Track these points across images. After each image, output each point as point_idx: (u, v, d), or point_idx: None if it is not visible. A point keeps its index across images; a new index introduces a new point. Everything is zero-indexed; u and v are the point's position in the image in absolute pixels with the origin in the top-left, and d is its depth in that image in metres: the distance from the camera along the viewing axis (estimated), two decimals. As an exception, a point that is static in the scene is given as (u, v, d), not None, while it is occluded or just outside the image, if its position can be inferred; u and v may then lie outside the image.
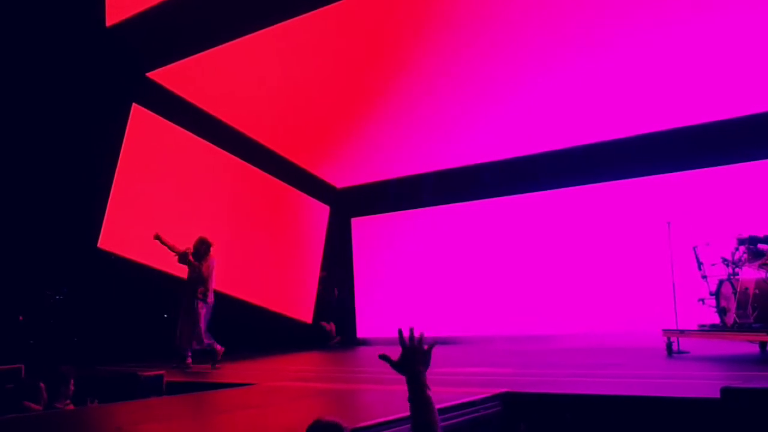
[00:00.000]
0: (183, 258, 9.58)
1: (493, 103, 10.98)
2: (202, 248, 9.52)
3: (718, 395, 3.90)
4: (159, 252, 12.04)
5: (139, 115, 11.99)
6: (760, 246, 6.98)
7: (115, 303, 11.65)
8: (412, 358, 2.63)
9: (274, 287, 13.35)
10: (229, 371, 8.74)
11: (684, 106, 9.79)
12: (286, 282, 13.64)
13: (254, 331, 12.60)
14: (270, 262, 13.35)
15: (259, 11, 10.28)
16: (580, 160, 10.93)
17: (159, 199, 12.18)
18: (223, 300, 12.43)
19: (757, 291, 6.78)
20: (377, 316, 13.39)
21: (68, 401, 5.32)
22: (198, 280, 9.39)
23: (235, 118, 12.53)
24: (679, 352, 7.50)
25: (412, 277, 12.86)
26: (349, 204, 14.01)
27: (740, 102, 9.44)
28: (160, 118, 12.15)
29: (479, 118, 11.33)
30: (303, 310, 13.73)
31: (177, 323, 9.46)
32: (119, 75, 11.66)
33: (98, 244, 11.70)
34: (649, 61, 9.53)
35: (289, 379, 7.41)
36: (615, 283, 10.34)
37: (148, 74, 11.89)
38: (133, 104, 11.93)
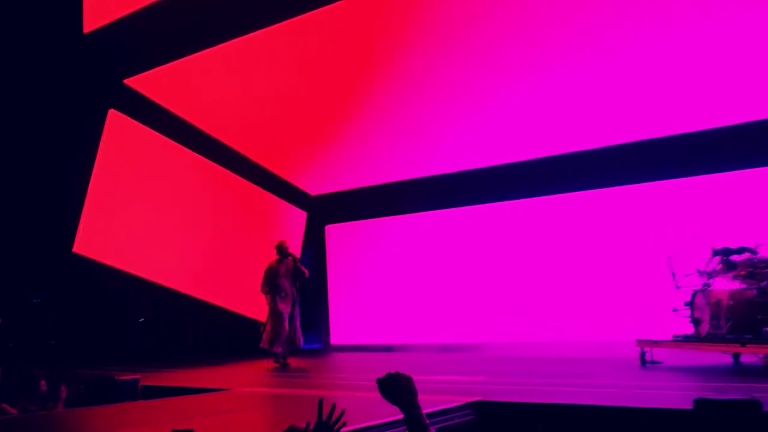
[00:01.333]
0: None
1: (469, 111, 11.06)
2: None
3: (690, 406, 3.92)
4: (134, 257, 12.00)
5: (115, 121, 11.93)
6: (734, 257, 7.05)
7: (92, 307, 11.57)
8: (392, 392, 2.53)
9: (249, 293, 13.29)
10: (204, 376, 8.69)
11: (660, 117, 9.91)
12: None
13: (230, 337, 12.55)
14: (246, 268, 13.28)
15: (235, 19, 10.29)
16: (556, 171, 11.03)
17: (135, 205, 12.12)
18: (199, 306, 12.41)
19: (730, 302, 6.85)
20: (351, 323, 13.39)
21: (54, 404, 5.30)
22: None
23: (212, 125, 12.51)
24: (653, 362, 7.55)
25: (385, 285, 12.88)
26: (323, 211, 14.04)
27: (714, 114, 9.58)
28: (137, 123, 12.10)
29: (456, 127, 11.39)
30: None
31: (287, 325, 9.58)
32: (96, 81, 11.61)
33: (73, 249, 11.61)
34: (626, 73, 9.65)
35: (264, 384, 7.37)
36: (589, 293, 10.41)
37: (125, 81, 11.84)
38: (110, 110, 11.87)
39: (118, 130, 11.98)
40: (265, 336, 9.55)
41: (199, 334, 12.23)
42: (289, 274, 9.66)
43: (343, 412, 2.45)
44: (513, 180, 11.42)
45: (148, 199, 12.25)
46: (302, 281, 9.81)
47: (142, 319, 12.14)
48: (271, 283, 9.59)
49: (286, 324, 9.44)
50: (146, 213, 12.18)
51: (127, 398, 6.40)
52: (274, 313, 9.52)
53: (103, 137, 11.79)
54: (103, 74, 11.61)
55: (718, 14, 8.57)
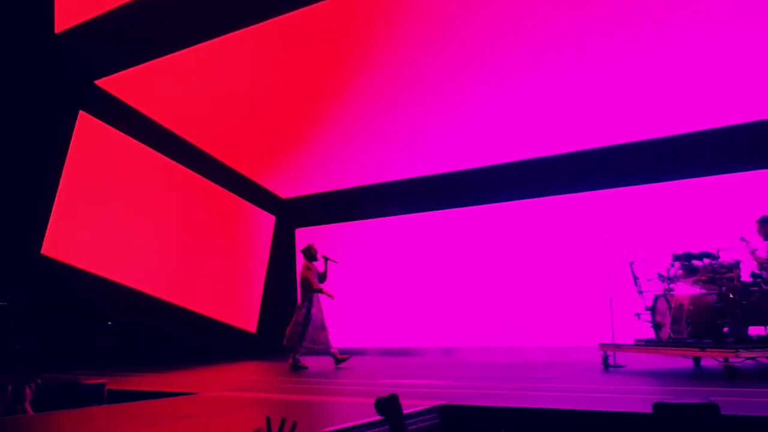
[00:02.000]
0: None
1: (441, 115, 11.15)
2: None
3: (650, 410, 4.01)
4: (103, 259, 11.90)
5: (86, 123, 11.82)
6: (695, 262, 7.17)
7: (59, 310, 11.45)
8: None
9: (218, 296, 13.27)
10: (171, 380, 8.65)
11: (622, 124, 10.10)
12: (231, 291, 13.56)
13: (198, 340, 12.50)
14: (215, 271, 13.26)
15: (208, 22, 10.26)
16: (520, 176, 11.19)
17: (104, 207, 12.02)
18: (166, 308, 12.34)
19: (691, 307, 6.99)
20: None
21: (23, 407, 5.27)
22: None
23: (183, 127, 12.46)
24: (615, 366, 7.69)
25: (354, 289, 12.91)
26: (293, 214, 14.05)
27: (676, 121, 9.79)
28: (107, 125, 12.01)
29: (427, 131, 11.49)
30: (247, 320, 13.67)
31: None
32: (67, 81, 11.51)
33: (42, 251, 11.49)
34: (588, 81, 9.80)
35: (231, 388, 7.36)
36: (554, 298, 10.56)
37: (96, 81, 11.75)
38: (80, 111, 11.77)
39: (88, 131, 11.88)
40: (295, 334, 9.59)
41: (168, 337, 12.16)
42: (316, 276, 9.81)
43: (294, 425, 2.46)
44: (481, 185, 11.56)
45: (118, 201, 12.16)
46: (323, 282, 9.89)
47: (110, 323, 12.04)
48: (310, 286, 9.69)
49: (313, 325, 9.55)
50: (116, 215, 12.09)
51: (93, 403, 6.36)
52: (307, 316, 9.60)
53: (74, 138, 11.68)
54: (74, 75, 11.51)
55: (684, 22, 8.75)
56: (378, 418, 4.47)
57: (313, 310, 9.61)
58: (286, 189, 13.97)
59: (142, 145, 12.30)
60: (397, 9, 10.07)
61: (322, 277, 9.82)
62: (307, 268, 9.74)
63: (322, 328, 9.62)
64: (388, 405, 2.87)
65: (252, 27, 10.29)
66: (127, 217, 12.18)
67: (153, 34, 10.67)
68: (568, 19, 9.15)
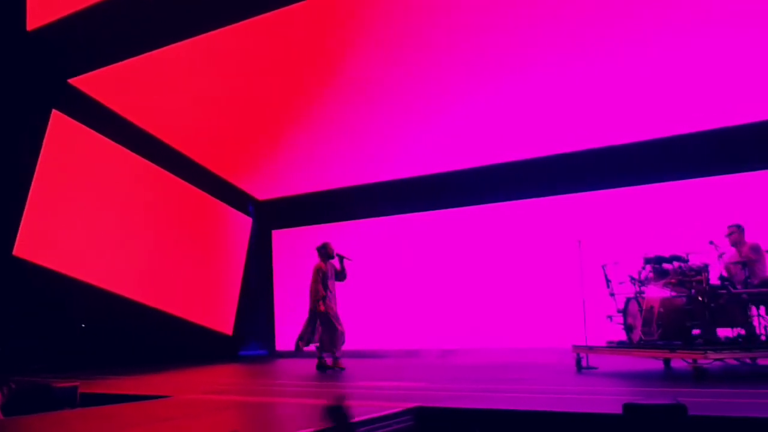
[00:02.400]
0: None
1: (418, 118, 11.21)
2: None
3: (620, 411, 4.07)
4: (76, 260, 11.77)
5: (59, 122, 11.70)
6: (665, 265, 7.29)
7: (32, 312, 11.31)
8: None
9: (194, 298, 13.19)
10: (145, 383, 8.59)
11: (596, 129, 10.23)
12: (206, 293, 13.50)
13: (172, 343, 12.42)
14: (190, 273, 13.19)
15: (183, 21, 10.22)
16: (495, 179, 11.29)
17: (78, 208, 11.90)
18: (140, 310, 12.25)
19: (661, 309, 7.10)
20: (297, 329, 13.37)
21: None
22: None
23: (158, 127, 12.38)
24: (588, 367, 7.79)
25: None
26: (270, 216, 14.02)
27: (648, 127, 9.94)
28: (81, 125, 11.89)
29: (404, 133, 11.54)
30: (223, 322, 13.62)
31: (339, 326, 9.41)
32: (39, 80, 11.37)
33: (13, 252, 11.34)
34: (561, 87, 9.92)
35: (206, 391, 7.33)
36: (528, 300, 10.66)
37: (69, 80, 11.63)
38: (53, 110, 11.64)
39: (61, 130, 11.75)
40: (325, 341, 9.32)
41: (143, 339, 12.07)
42: (334, 275, 9.55)
43: None
44: (457, 188, 11.64)
45: (93, 202, 12.05)
46: (341, 282, 9.64)
47: (84, 325, 11.92)
48: (323, 284, 9.40)
49: (339, 325, 9.31)
50: (90, 216, 11.98)
51: (65, 406, 6.29)
52: (327, 317, 9.32)
53: (46, 137, 11.55)
54: (47, 73, 11.38)
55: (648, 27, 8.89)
56: (355, 419, 4.51)
57: (331, 310, 9.36)
58: (262, 190, 13.94)
59: (117, 145, 12.20)
60: (377, 8, 10.09)
61: (340, 276, 9.55)
62: (316, 270, 9.46)
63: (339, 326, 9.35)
64: (336, 413, 2.85)
65: (229, 27, 10.27)
66: (101, 218, 12.07)
67: (128, 32, 10.60)
68: (547, 24, 9.25)
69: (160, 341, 12.25)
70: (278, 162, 13.01)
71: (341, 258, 9.57)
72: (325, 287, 9.38)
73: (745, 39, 8.69)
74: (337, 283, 9.56)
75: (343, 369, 9.11)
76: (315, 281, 9.41)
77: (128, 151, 12.31)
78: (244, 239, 14.07)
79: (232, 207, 13.92)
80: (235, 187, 13.75)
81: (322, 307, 9.29)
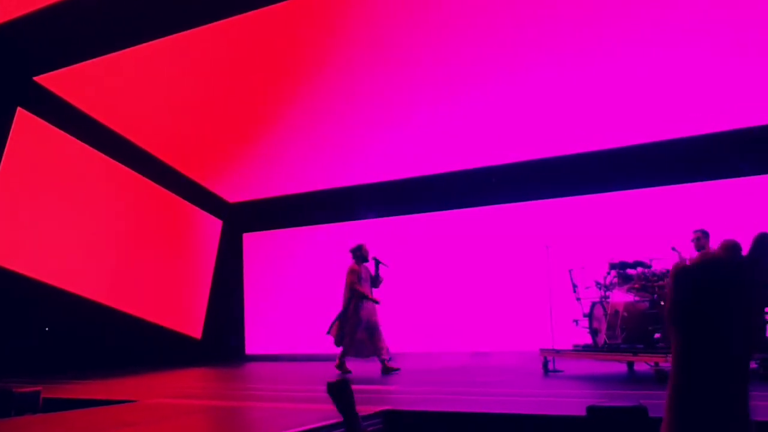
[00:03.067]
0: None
1: (387, 124, 11.25)
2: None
3: (584, 413, 4.14)
4: (41, 262, 11.60)
5: (24, 120, 11.52)
6: (630, 271, 7.45)
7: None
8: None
9: (162, 301, 13.08)
10: (111, 387, 8.50)
11: (563, 137, 10.37)
12: (175, 296, 13.39)
13: (140, 346, 12.30)
14: (159, 276, 13.07)
15: (155, 21, 10.13)
16: (464, 184, 11.39)
17: (44, 208, 11.73)
18: (106, 313, 12.11)
19: (625, 313, 7.23)
20: (267, 333, 13.36)
21: None
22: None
23: (127, 128, 12.26)
24: (555, 371, 7.89)
25: (302, 294, 12.91)
26: (241, 219, 13.96)
27: (613, 135, 10.11)
28: (47, 123, 11.72)
29: (375, 137, 11.58)
30: (192, 325, 13.52)
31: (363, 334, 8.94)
32: (4, 77, 11.19)
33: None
34: (525, 95, 10.04)
35: (173, 395, 7.28)
36: (497, 304, 10.76)
37: (35, 78, 11.46)
38: (18, 108, 11.46)
39: (27, 129, 11.57)
40: (343, 338, 8.93)
41: (109, 343, 11.93)
42: (368, 279, 9.07)
43: None
44: (427, 193, 11.72)
45: (58, 202, 11.88)
46: (374, 288, 9.12)
47: (48, 328, 11.74)
48: (353, 291, 8.96)
49: (360, 333, 8.80)
50: (56, 217, 11.81)
51: (27, 412, 6.20)
52: (353, 320, 8.86)
53: (11, 136, 11.36)
54: (12, 70, 11.20)
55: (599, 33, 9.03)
56: (321, 423, 4.52)
57: (362, 314, 8.86)
58: (233, 193, 13.87)
59: (85, 145, 12.05)
60: (350, 10, 10.10)
61: (375, 281, 9.06)
62: (351, 271, 9.02)
63: (371, 335, 8.84)
64: (339, 390, 2.91)
65: (203, 28, 10.21)
66: (67, 219, 11.91)
67: (97, 31, 10.47)
68: (514, 32, 9.35)
69: (126, 345, 12.12)
70: (249, 165, 12.97)
71: (377, 262, 9.09)
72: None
73: (706, 52, 8.88)
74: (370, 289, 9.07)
75: (348, 372, 8.84)
76: (351, 282, 8.95)
77: (96, 151, 12.17)
78: (214, 242, 13.99)
79: (202, 209, 13.83)
80: (205, 190, 13.67)
81: (350, 308, 8.86)
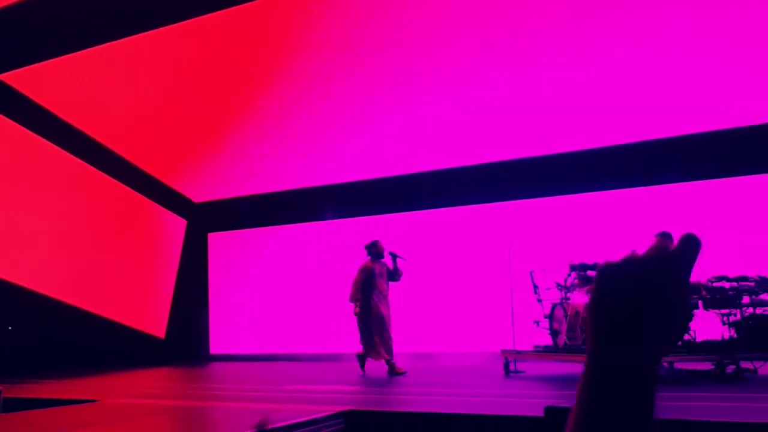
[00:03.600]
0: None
1: (353, 125, 11.30)
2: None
3: (542, 413, 4.24)
4: (2, 261, 11.42)
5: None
6: (590, 272, 7.53)
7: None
8: None
9: (125, 301, 12.96)
10: (72, 387, 8.42)
11: (524, 139, 10.53)
12: (138, 295, 13.28)
13: (102, 345, 12.18)
14: (122, 275, 12.95)
15: (120, 20, 10.04)
16: (428, 185, 11.49)
17: (3, 206, 11.55)
18: (68, 311, 11.96)
19: (585, 314, 7.35)
20: (231, 333, 13.33)
21: None
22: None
23: (90, 125, 12.12)
24: (516, 371, 8.02)
25: (268, 294, 12.90)
26: (206, 219, 13.90)
27: (574, 138, 10.29)
28: (9, 120, 11.55)
29: (340, 138, 11.61)
30: (155, 325, 13.42)
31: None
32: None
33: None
34: (487, 98, 10.16)
35: (136, 395, 7.25)
36: (459, 305, 10.86)
37: (-3, 75, 11.29)
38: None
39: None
40: (378, 346, 8.58)
41: (72, 342, 11.79)
42: (384, 275, 8.85)
43: None
44: (389, 194, 11.79)
45: (19, 199, 11.71)
46: (395, 282, 8.91)
47: (10, 327, 11.57)
48: (368, 284, 8.70)
49: (380, 331, 8.57)
50: (16, 214, 11.63)
51: (-13, 411, 6.14)
52: (377, 318, 8.61)
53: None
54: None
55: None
56: (284, 423, 4.56)
57: (383, 310, 8.64)
58: (198, 193, 13.80)
59: (47, 141, 11.89)
60: (319, 8, 10.10)
61: (393, 276, 8.88)
62: (362, 269, 8.81)
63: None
64: None
65: (168, 27, 10.13)
66: (28, 217, 11.74)
67: (61, 29, 10.34)
68: (477, 37, 9.46)
69: (89, 344, 11.99)
70: (215, 164, 12.91)
71: (394, 257, 8.92)
72: (372, 287, 8.68)
73: (672, 56, 9.09)
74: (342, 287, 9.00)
75: (403, 372, 8.45)
76: (356, 281, 8.79)
77: (59, 149, 12.02)
78: (179, 241, 13.90)
79: (167, 209, 13.73)
80: (170, 189, 13.57)
81: (356, 309, 8.68)
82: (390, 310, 8.77)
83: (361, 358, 8.80)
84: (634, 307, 0.69)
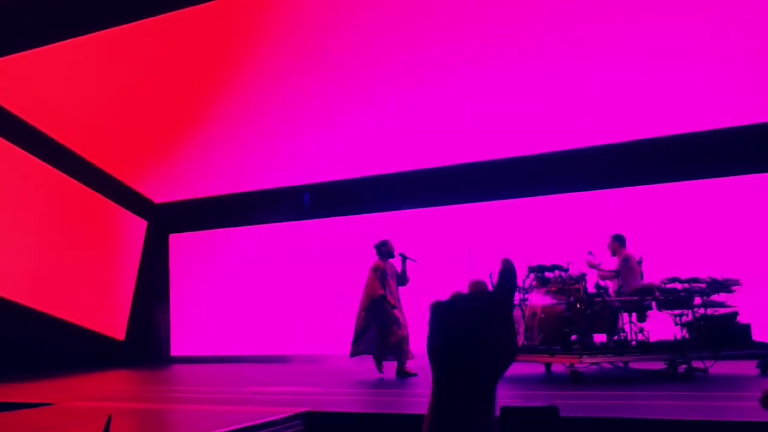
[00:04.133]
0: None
1: (314, 127, 11.31)
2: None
3: (498, 414, 4.29)
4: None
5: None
6: (547, 274, 7.69)
7: None
8: None
9: (84, 302, 12.77)
10: (27, 390, 8.28)
11: (483, 142, 10.65)
12: (97, 297, 13.09)
13: (60, 347, 11.97)
14: (81, 276, 12.75)
15: (78, 17, 9.91)
16: (389, 188, 11.55)
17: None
18: (24, 313, 11.75)
19: (542, 315, 7.48)
20: (193, 334, 13.22)
21: None
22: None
23: (48, 124, 11.94)
24: (476, 372, 8.07)
25: (230, 295, 12.83)
26: (167, 220, 13.76)
27: (531, 141, 10.45)
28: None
29: (303, 139, 11.61)
30: (115, 327, 13.25)
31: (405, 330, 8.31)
32: None
33: None
34: (446, 100, 10.27)
35: (93, 398, 7.16)
36: (421, 308, 10.92)
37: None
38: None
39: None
40: (378, 344, 8.19)
41: (27, 344, 11.58)
42: (395, 276, 8.53)
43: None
44: (352, 196, 11.81)
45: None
46: (402, 285, 8.56)
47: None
48: (382, 283, 8.32)
49: (399, 329, 8.19)
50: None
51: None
52: (390, 318, 8.22)
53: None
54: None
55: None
56: (244, 425, 4.56)
57: (395, 311, 8.28)
58: (159, 193, 13.65)
59: (4, 141, 11.67)
60: (278, 11, 10.08)
61: (402, 279, 8.56)
62: (374, 270, 8.42)
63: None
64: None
65: (129, 25, 10.03)
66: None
67: (19, 26, 10.18)
68: (434, 37, 9.54)
69: (45, 346, 11.79)
70: (177, 164, 12.80)
71: (404, 258, 8.57)
72: (384, 287, 8.31)
73: (618, 64, 9.29)
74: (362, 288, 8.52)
75: (413, 374, 8.14)
76: (372, 279, 8.36)
77: (15, 147, 11.80)
78: (139, 242, 13.74)
79: (127, 209, 13.56)
80: (130, 189, 13.42)
81: (386, 305, 8.24)
82: (400, 312, 8.37)
83: (378, 361, 8.36)
84: (461, 337, 0.77)
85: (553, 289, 7.44)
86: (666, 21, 8.65)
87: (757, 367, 7.11)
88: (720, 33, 8.63)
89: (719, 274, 7.37)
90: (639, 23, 8.73)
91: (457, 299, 0.80)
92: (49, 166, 12.25)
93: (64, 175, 12.47)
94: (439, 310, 0.80)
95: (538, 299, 7.78)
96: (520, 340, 7.70)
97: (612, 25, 8.80)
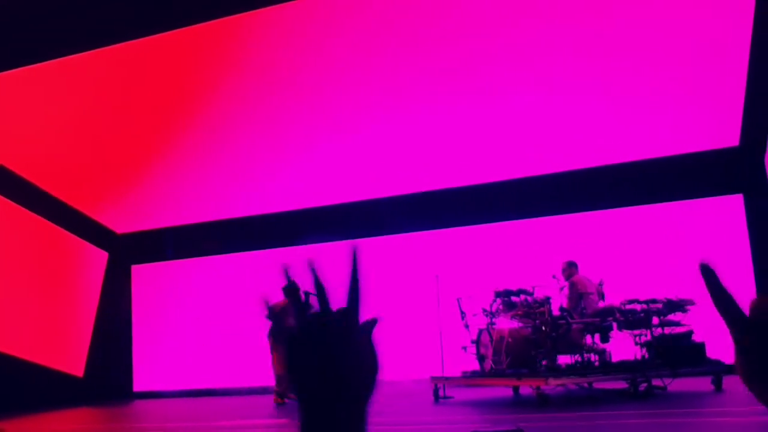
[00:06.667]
0: None
1: (279, 157, 11.32)
2: None
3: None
4: None
5: None
6: (514, 298, 7.78)
7: None
8: None
9: (39, 338, 12.41)
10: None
11: (447, 169, 10.81)
12: (54, 332, 12.73)
13: (14, 386, 11.54)
14: (36, 311, 12.41)
15: (36, 45, 9.76)
16: (356, 215, 11.60)
17: None
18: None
19: (510, 339, 7.55)
20: (157, 368, 12.97)
21: None
22: None
23: (6, 155, 11.70)
24: (445, 397, 8.11)
25: (195, 327, 12.66)
26: (129, 250, 13.55)
27: (495, 169, 10.64)
28: None
29: (266, 169, 11.61)
30: (73, 363, 12.88)
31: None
32: None
33: None
34: (417, 128, 10.41)
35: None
36: (389, 332, 10.92)
37: None
38: None
39: None
40: None
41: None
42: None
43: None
44: (317, 224, 11.79)
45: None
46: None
47: None
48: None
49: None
50: None
51: None
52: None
53: None
54: None
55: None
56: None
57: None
58: (121, 224, 13.45)
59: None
60: (244, 37, 10.08)
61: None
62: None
63: None
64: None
65: (92, 52, 9.91)
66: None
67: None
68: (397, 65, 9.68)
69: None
70: (139, 194, 12.63)
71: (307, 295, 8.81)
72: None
73: (575, 97, 9.56)
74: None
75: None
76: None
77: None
78: (99, 274, 13.48)
79: (86, 240, 13.31)
80: (90, 220, 13.18)
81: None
82: None
83: None
84: (316, 362, 0.79)
85: (520, 312, 7.53)
86: (618, 53, 8.95)
87: (712, 383, 7.29)
88: (663, 65, 8.98)
89: (674, 295, 7.56)
90: (592, 60, 9.04)
91: (302, 324, 0.82)
92: (6, 199, 11.97)
93: (20, 206, 12.19)
94: (292, 338, 0.82)
95: (505, 323, 7.86)
96: (488, 363, 7.76)
97: (567, 61, 9.07)
